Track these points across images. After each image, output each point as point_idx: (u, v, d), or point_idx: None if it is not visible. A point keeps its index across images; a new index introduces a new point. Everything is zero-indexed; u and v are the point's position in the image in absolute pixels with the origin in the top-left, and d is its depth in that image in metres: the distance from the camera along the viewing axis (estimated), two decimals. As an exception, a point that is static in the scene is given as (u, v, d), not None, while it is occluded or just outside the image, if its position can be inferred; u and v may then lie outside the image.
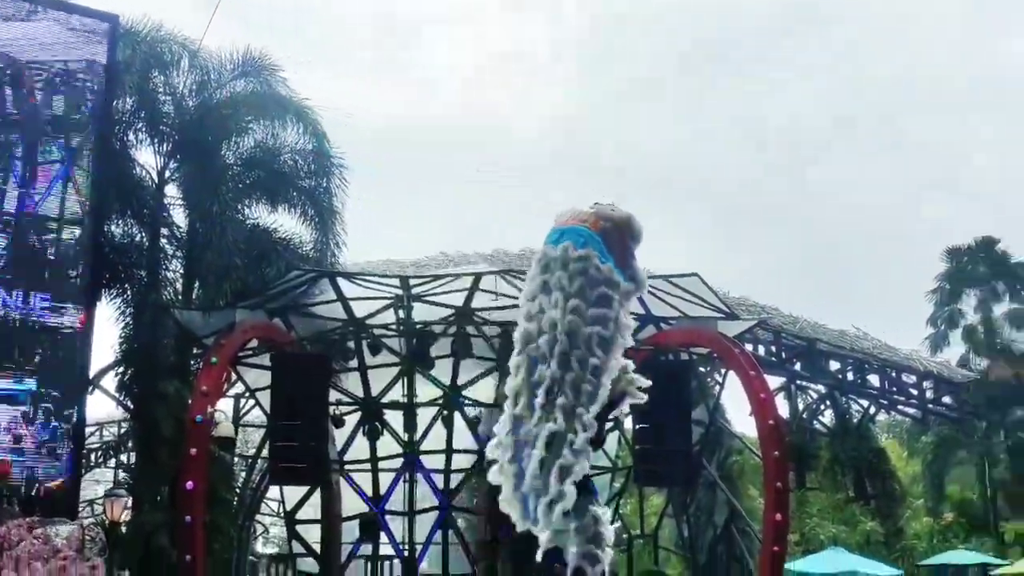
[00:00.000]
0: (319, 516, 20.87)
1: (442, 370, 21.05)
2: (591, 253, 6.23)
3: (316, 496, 20.65)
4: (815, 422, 37.52)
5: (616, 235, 6.34)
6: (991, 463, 37.86)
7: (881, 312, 75.82)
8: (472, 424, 21.81)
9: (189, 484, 15.41)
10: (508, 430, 6.50)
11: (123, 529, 15.90)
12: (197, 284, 18.91)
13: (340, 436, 20.98)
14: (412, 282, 19.01)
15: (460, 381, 21.70)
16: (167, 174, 19.61)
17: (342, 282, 19.03)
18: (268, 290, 18.58)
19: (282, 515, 21.36)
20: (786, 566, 20.23)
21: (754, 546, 20.48)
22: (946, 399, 33.02)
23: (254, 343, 18.88)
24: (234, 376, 22.03)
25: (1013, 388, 36.37)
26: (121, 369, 19.84)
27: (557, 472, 6.13)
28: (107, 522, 15.65)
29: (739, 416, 34.21)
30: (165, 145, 19.69)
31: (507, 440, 6.49)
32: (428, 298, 19.43)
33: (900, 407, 32.85)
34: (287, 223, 20.30)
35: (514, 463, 6.39)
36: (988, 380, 35.82)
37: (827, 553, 24.98)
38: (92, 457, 29.30)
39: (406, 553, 21.09)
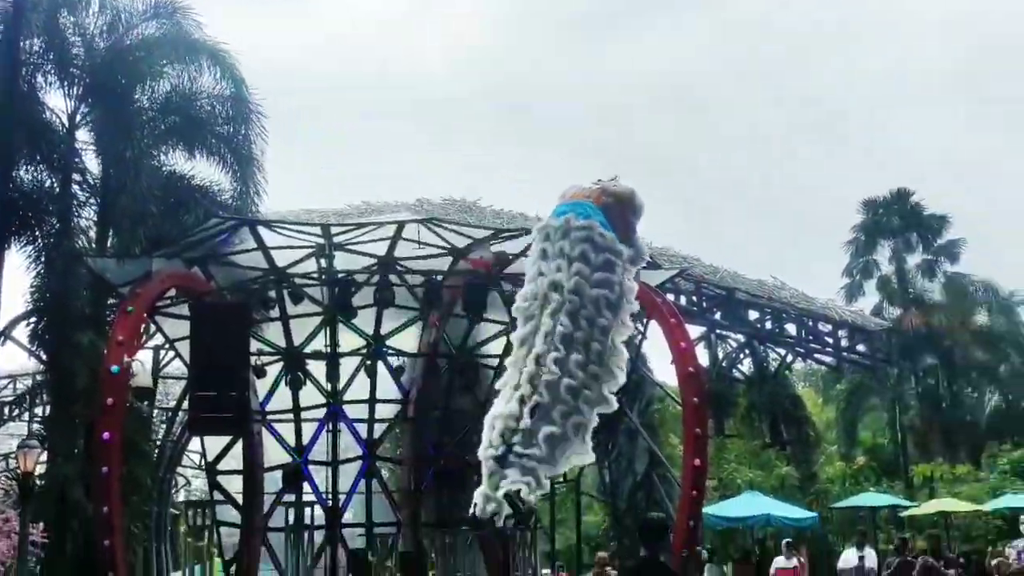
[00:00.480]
0: (241, 467, 20.71)
1: (365, 320, 20.89)
2: (593, 223, 6.25)
3: (238, 447, 20.44)
4: (734, 370, 38.28)
5: (618, 209, 6.40)
6: (902, 409, 39.12)
7: (798, 262, 77.46)
8: (396, 374, 21.76)
9: (105, 435, 15.11)
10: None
11: (37, 481, 15.58)
12: (111, 232, 18.42)
13: (262, 386, 20.76)
14: (334, 231, 18.75)
15: (383, 331, 21.59)
16: (78, 118, 19.01)
17: (262, 231, 18.71)
18: (186, 238, 18.19)
19: (203, 467, 21.11)
20: (704, 510, 20.69)
21: (674, 491, 20.90)
22: (860, 347, 33.90)
23: (172, 293, 18.50)
24: (152, 327, 21.66)
25: (924, 337, 37.52)
26: (33, 319, 19.32)
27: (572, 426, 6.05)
28: (20, 474, 15.33)
29: (660, 365, 34.78)
30: (76, 88, 19.07)
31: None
32: (350, 247, 19.22)
33: (816, 355, 33.65)
34: (205, 170, 19.91)
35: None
36: (901, 329, 36.88)
37: (744, 497, 25.63)
38: (5, 410, 28.66)
39: (329, 503, 21.04)
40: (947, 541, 18.94)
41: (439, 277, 19.33)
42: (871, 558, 15.72)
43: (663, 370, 26.72)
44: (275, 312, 20.29)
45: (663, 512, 22.74)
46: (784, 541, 17.33)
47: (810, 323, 31.62)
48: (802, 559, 18.31)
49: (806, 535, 27.21)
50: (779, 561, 16.08)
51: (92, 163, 19.06)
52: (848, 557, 16.05)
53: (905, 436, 39.22)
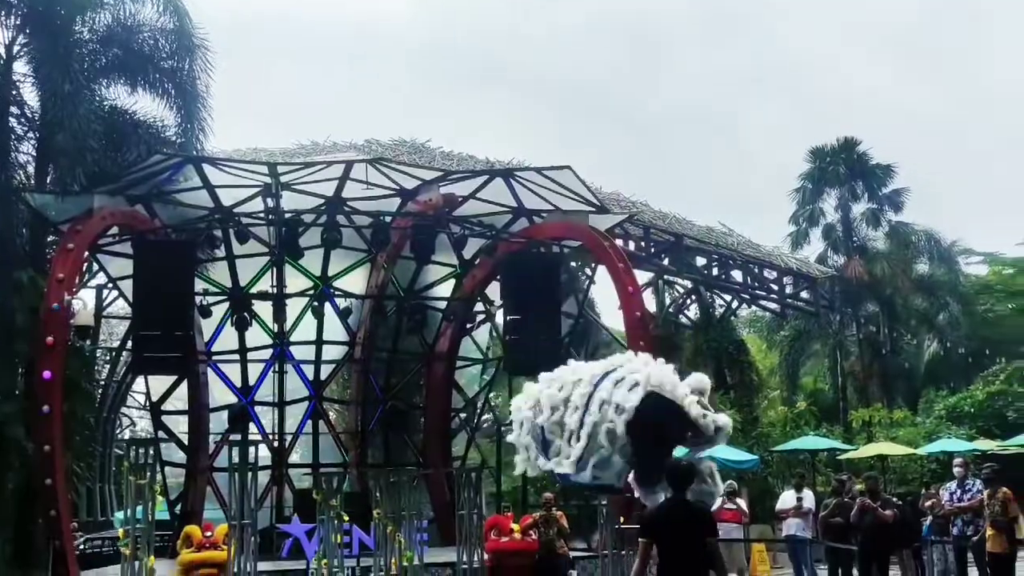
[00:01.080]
0: (186, 407, 20.60)
1: (312, 261, 20.75)
2: None
3: (183, 387, 20.31)
4: (680, 316, 38.64)
5: None
6: (843, 355, 39.85)
7: (746, 209, 78.06)
8: (343, 315, 21.69)
9: (46, 374, 14.88)
10: None
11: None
12: (51, 167, 17.94)
13: (207, 326, 20.60)
14: (281, 170, 18.46)
15: (331, 272, 21.48)
16: (16, 49, 18.38)
17: (208, 169, 18.38)
18: (128, 175, 17.78)
19: (147, 407, 20.95)
20: (648, 452, 20.96)
21: (619, 434, 21.08)
22: (804, 294, 34.33)
23: (114, 230, 18.15)
24: (94, 265, 21.31)
25: (866, 284, 38.09)
26: (-30, 257, 18.86)
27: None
28: (-42, 413, 15.09)
29: (608, 310, 35.00)
30: (12, 18, 18.42)
31: None
32: (297, 187, 18.98)
33: (761, 302, 34.04)
34: (148, 106, 19.36)
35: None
36: (844, 277, 37.40)
37: (688, 440, 25.98)
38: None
39: (276, 444, 21.04)
40: (884, 483, 19.39)
41: (387, 218, 19.17)
42: (809, 499, 16.05)
43: (610, 315, 26.91)
44: (221, 252, 20.07)
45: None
46: (725, 483, 17.56)
47: (756, 270, 31.91)
48: (741, 502, 18.65)
49: (747, 477, 27.77)
50: (718, 501, 16.31)
51: (30, 96, 18.50)
52: (786, 498, 16.37)
53: (845, 382, 40.01)
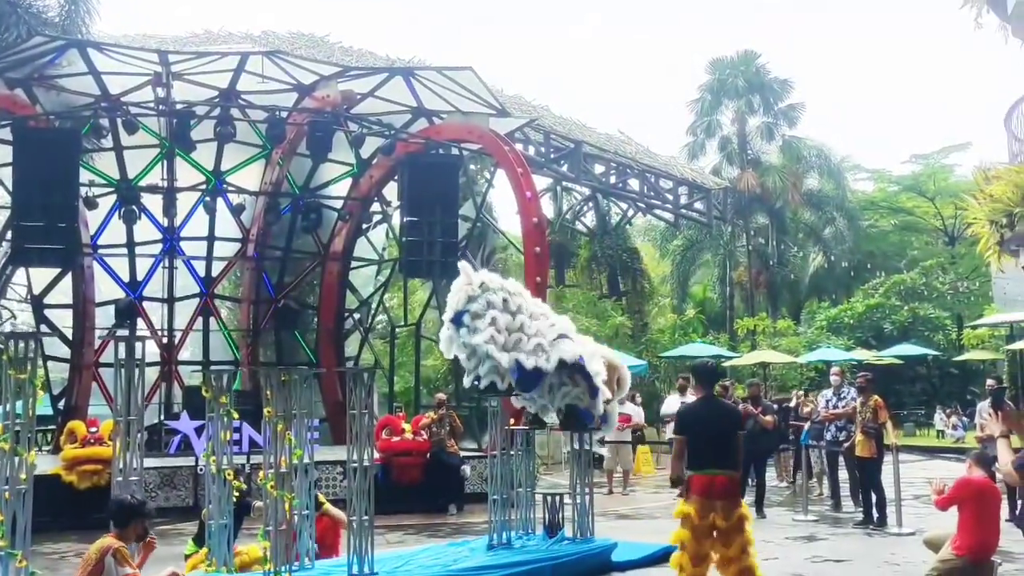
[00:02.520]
0: (71, 301, 20.03)
1: (205, 155, 20.17)
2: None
3: (67, 281, 19.71)
4: (577, 223, 39.02)
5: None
6: (732, 266, 40.87)
7: (644, 117, 78.41)
8: (236, 211, 21.24)
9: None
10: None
11: None
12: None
13: (93, 219, 19.94)
14: (172, 58, 17.73)
15: (223, 167, 20.94)
16: None
17: (94, 54, 17.54)
18: (5, 57, 16.89)
19: (29, 300, 20.29)
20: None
21: (512, 337, 21.33)
22: (698, 205, 34.85)
23: (-8, 115, 17.29)
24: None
25: (758, 197, 38.94)
26: None
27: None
28: None
29: (506, 214, 35.04)
30: None
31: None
32: (190, 77, 18.30)
33: (656, 211, 34.42)
34: (28, -17, 18.40)
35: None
36: (737, 189, 38.12)
37: (579, 344, 26.45)
38: None
39: (164, 340, 20.68)
40: (765, 390, 20.18)
41: (283, 113, 18.69)
42: (693, 403, 16.53)
43: (509, 220, 26.98)
44: (108, 142, 19.35)
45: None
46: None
47: (652, 179, 32.19)
48: (632, 405, 19.17)
49: (636, 381, 28.46)
50: (609, 406, 16.73)
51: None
52: (671, 402, 16.85)
53: (733, 291, 41.16)
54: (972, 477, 9.22)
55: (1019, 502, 11.86)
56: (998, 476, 9.74)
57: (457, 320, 9.15)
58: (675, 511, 7.71)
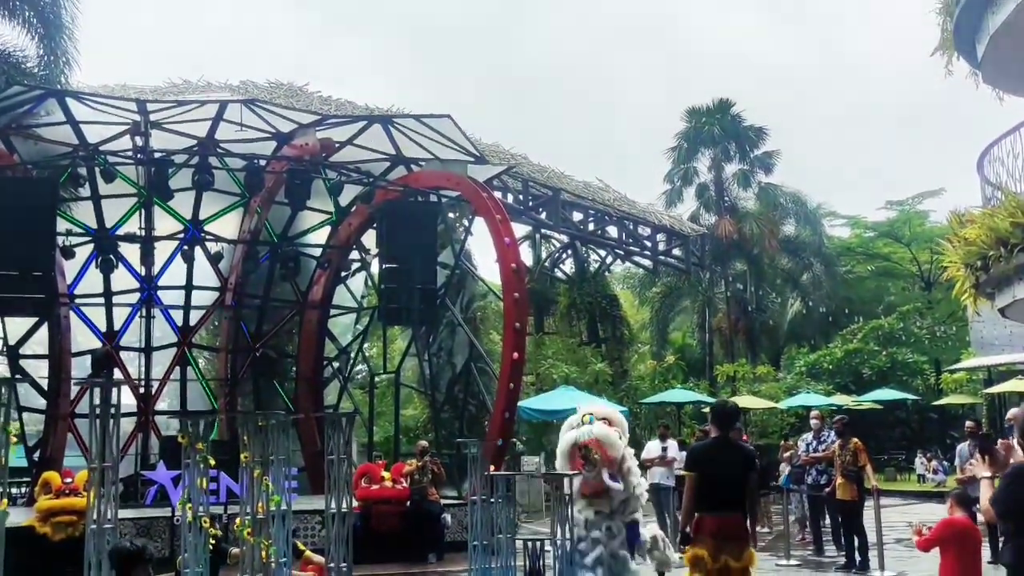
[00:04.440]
0: (47, 351, 19.85)
1: (183, 203, 20.16)
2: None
3: (43, 331, 19.54)
4: (556, 270, 39.15)
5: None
6: (711, 312, 41.01)
7: (624, 166, 79.08)
8: (214, 260, 21.18)
9: None
10: None
11: None
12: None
13: (70, 268, 19.83)
14: (151, 107, 17.78)
15: (202, 215, 20.91)
16: None
17: (72, 103, 17.56)
18: (-17, 106, 16.90)
19: (4, 351, 20.08)
20: (520, 403, 21.24)
21: (492, 384, 21.30)
22: (676, 251, 35.09)
23: (-32, 164, 17.25)
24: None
25: (735, 243, 39.19)
26: None
27: None
28: None
29: (485, 263, 35.15)
30: None
31: None
32: (168, 126, 18.34)
33: (635, 258, 34.67)
34: (7, 34, 18.43)
35: None
36: (715, 235, 38.39)
37: (559, 391, 26.43)
38: None
39: (142, 390, 20.49)
40: (746, 436, 20.19)
41: (262, 162, 18.72)
42: (673, 449, 16.46)
43: (488, 268, 27.03)
44: (85, 191, 19.30)
45: (480, 403, 23.26)
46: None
47: (630, 226, 32.45)
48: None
49: (616, 428, 28.34)
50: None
51: None
52: (651, 448, 16.78)
53: (712, 338, 41.25)
54: (954, 518, 9.22)
55: (1000, 540, 11.85)
56: (979, 518, 9.76)
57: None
58: (685, 556, 7.59)
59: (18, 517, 13.67)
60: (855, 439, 13.46)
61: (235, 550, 9.22)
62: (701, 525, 7.54)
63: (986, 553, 11.20)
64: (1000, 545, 11.72)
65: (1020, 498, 5.14)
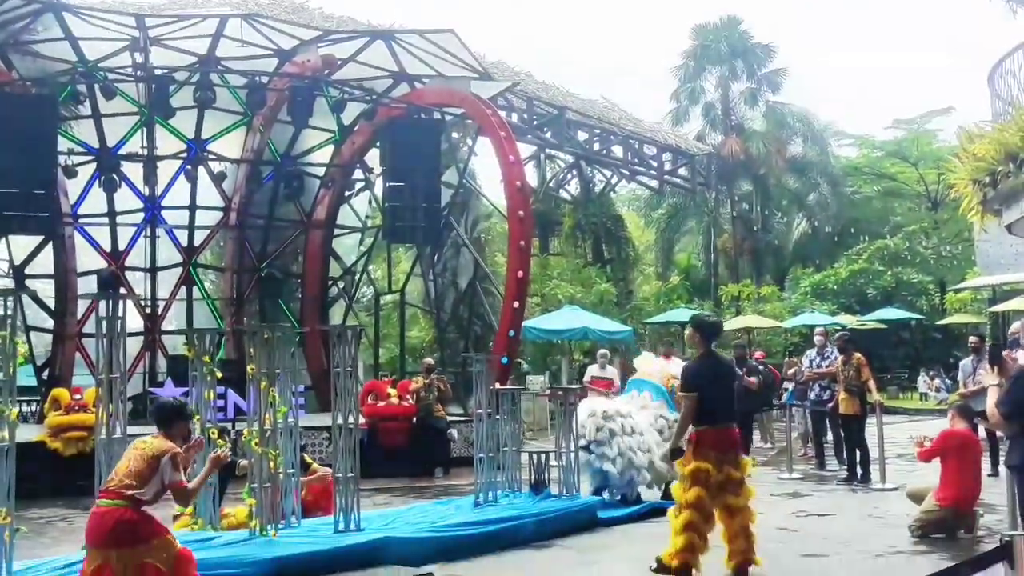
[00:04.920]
0: (52, 272, 19.87)
1: (185, 122, 20.01)
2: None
3: (48, 251, 19.54)
4: (561, 191, 38.98)
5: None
6: (716, 232, 40.89)
7: (627, 84, 78.16)
8: (217, 179, 21.09)
9: None
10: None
11: None
12: None
13: (73, 188, 19.76)
14: (150, 23, 17.52)
15: (204, 134, 20.77)
16: None
17: (70, 18, 17.32)
18: (-21, 22, 16.67)
19: (9, 272, 20.11)
20: (525, 323, 21.31)
21: (496, 304, 21.35)
22: (682, 171, 34.86)
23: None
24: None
25: (742, 163, 38.90)
26: None
27: None
28: None
29: (489, 184, 35.00)
30: None
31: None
32: (167, 42, 18.11)
33: (640, 178, 34.44)
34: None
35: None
36: (721, 155, 38.09)
37: (564, 311, 26.49)
38: None
39: (148, 310, 20.59)
40: (761, 353, 20.26)
41: (263, 79, 18.50)
42: (677, 366, 16.50)
43: (492, 190, 26.87)
44: (86, 109, 19.14)
45: (485, 323, 23.34)
46: (599, 352, 18.03)
47: (636, 145, 32.16)
48: (612, 370, 19.17)
49: (620, 348, 28.54)
50: (593, 370, 16.74)
51: None
52: (657, 366, 16.81)
53: (717, 258, 41.19)
54: (955, 429, 9.31)
55: (1005, 446, 11.95)
56: (980, 432, 9.85)
57: (587, 448, 10.83)
58: (686, 470, 7.51)
59: (29, 433, 13.84)
60: (858, 354, 13.49)
61: (243, 462, 9.33)
62: (703, 439, 7.54)
63: (986, 466, 11.31)
64: (1000, 457, 11.84)
65: (1024, 399, 5.15)
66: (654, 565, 7.47)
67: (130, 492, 5.67)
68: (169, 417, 6.15)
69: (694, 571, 7.40)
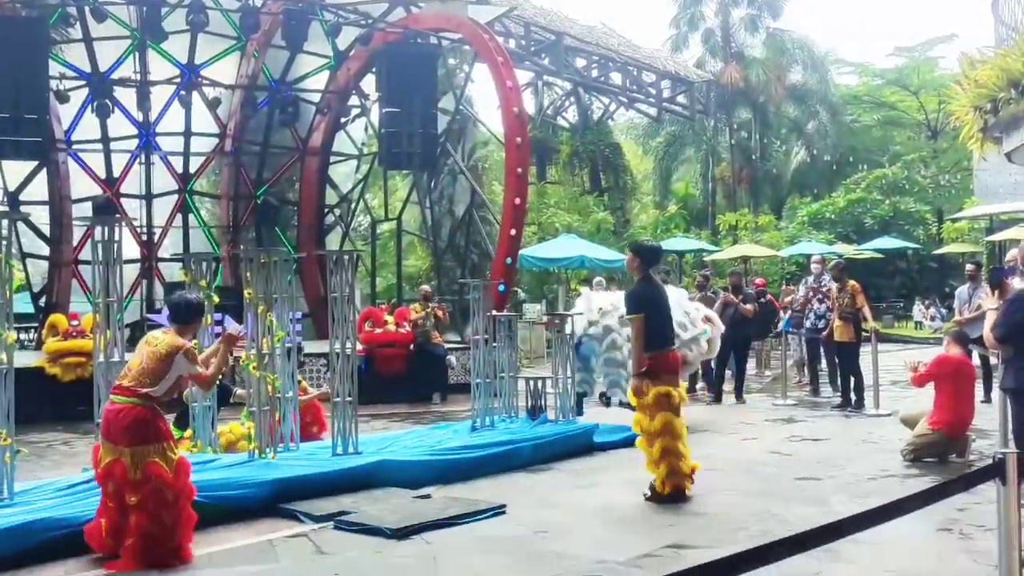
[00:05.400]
0: (47, 198, 19.76)
1: (178, 46, 19.72)
2: None
3: (42, 179, 19.41)
4: (559, 118, 38.67)
5: None
6: (714, 161, 40.71)
7: (626, 9, 77.04)
8: (212, 105, 20.87)
9: None
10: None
11: None
12: None
13: (66, 114, 19.57)
14: (140, -56, 17.22)
15: (198, 59, 20.50)
16: None
17: (58, -61, 17.01)
18: (-33, -57, 16.35)
19: (3, 197, 20.00)
20: (522, 251, 21.30)
21: (493, 232, 21.30)
22: (680, 99, 34.49)
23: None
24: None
25: (741, 91, 38.57)
26: None
27: None
28: None
29: (486, 112, 34.70)
30: None
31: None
32: (158, -37, 17.77)
33: (639, 105, 34.06)
34: None
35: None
36: (720, 82, 37.73)
37: (561, 239, 26.49)
38: None
39: (144, 237, 20.54)
40: (761, 281, 20.25)
41: (257, 2, 18.21)
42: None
43: (488, 117, 26.71)
44: (76, 31, 18.86)
45: (482, 251, 23.32)
46: (595, 280, 18.07)
47: (635, 72, 31.74)
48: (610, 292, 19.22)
49: (617, 276, 28.57)
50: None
51: None
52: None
53: (715, 187, 41.07)
54: (950, 355, 9.36)
55: (998, 374, 12.04)
56: (975, 358, 9.91)
57: (579, 342, 11.18)
58: (648, 399, 7.51)
59: (27, 359, 13.89)
60: (852, 282, 13.53)
61: (240, 391, 9.39)
62: (661, 362, 7.59)
63: (978, 392, 11.41)
64: (993, 384, 11.93)
65: (1019, 321, 5.17)
66: (648, 493, 7.55)
67: (144, 390, 5.95)
68: (189, 315, 6.39)
69: (687, 491, 7.50)
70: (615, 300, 11.32)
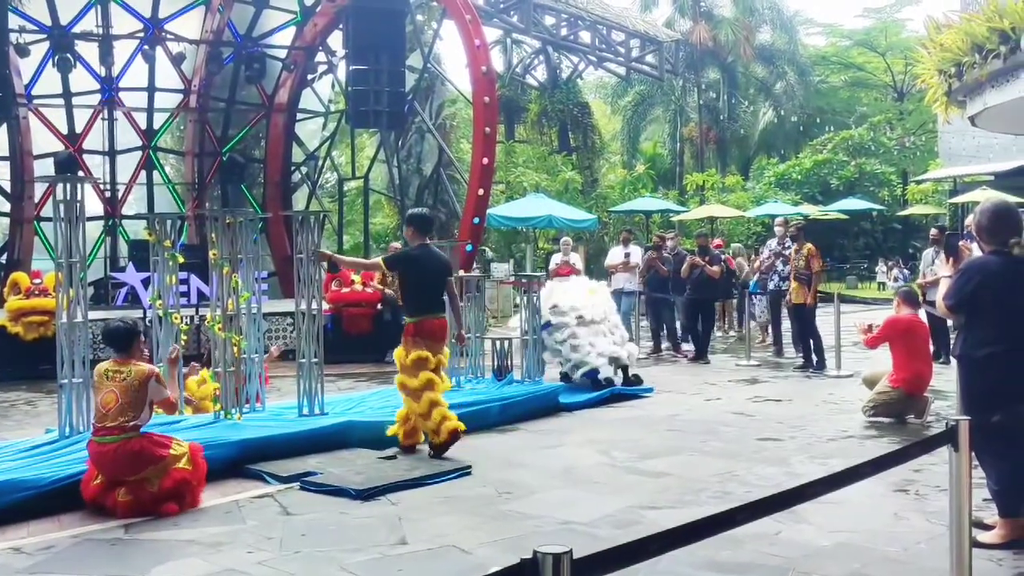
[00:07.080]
0: (7, 154, 19.47)
1: (142, 0, 19.43)
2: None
3: (2, 133, 19.11)
4: (528, 76, 38.45)
5: None
6: (682, 121, 40.74)
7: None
8: (176, 61, 20.59)
9: None
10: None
11: None
12: None
13: (26, 68, 19.23)
14: None
15: (161, 13, 20.19)
16: None
17: None
18: None
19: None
20: (490, 211, 21.27)
21: (461, 191, 21.27)
22: (649, 58, 34.40)
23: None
24: None
25: (710, 51, 38.53)
26: None
27: None
28: None
29: (454, 70, 34.38)
30: None
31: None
32: (120, -84, 17.46)
33: (608, 64, 33.95)
34: None
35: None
36: (689, 42, 37.65)
37: (528, 198, 26.45)
38: None
39: (108, 194, 20.32)
40: (720, 242, 20.35)
41: (222, -44, 17.94)
42: (636, 255, 16.61)
43: (457, 75, 26.45)
44: (37, -15, 18.51)
45: (450, 211, 23.29)
46: (562, 239, 18.09)
47: (604, 31, 31.61)
48: (575, 257, 19.29)
49: (585, 236, 28.64)
50: (557, 258, 16.80)
51: None
52: (615, 254, 16.92)
53: (683, 148, 41.14)
54: (900, 315, 9.50)
55: (953, 336, 12.24)
56: (923, 316, 10.05)
57: (545, 327, 11.30)
58: (408, 359, 7.70)
59: (-12, 317, 13.74)
60: (809, 244, 13.58)
61: (195, 364, 9.42)
62: (422, 328, 7.75)
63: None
64: (954, 340, 12.12)
65: (970, 291, 5.25)
66: (431, 453, 7.70)
67: (132, 423, 6.10)
68: (130, 340, 6.37)
69: (459, 431, 7.68)
70: (576, 301, 11.40)
